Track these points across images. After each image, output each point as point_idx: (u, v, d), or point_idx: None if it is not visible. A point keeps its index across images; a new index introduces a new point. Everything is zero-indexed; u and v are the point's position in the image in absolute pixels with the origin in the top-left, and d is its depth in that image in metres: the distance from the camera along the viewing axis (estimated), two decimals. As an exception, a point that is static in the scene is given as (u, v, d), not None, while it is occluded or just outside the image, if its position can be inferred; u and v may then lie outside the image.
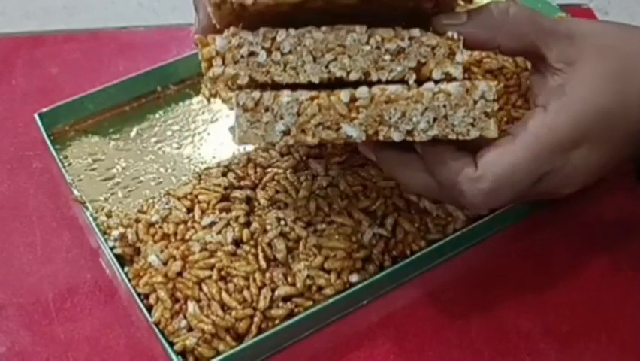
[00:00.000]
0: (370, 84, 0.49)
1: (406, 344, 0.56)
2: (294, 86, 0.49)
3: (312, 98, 0.48)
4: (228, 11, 0.49)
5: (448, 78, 0.50)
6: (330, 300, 0.55)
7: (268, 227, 0.59)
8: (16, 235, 0.63)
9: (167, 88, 0.73)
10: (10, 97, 0.75)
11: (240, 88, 0.50)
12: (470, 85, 0.49)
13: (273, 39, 0.48)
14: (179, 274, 0.56)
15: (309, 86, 0.49)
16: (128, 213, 0.62)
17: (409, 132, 0.49)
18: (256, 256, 0.57)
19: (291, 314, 0.55)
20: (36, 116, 0.68)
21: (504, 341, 0.56)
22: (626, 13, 0.93)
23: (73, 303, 0.58)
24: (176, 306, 0.55)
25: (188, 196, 0.62)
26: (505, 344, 0.56)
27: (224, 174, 0.63)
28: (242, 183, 0.62)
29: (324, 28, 0.49)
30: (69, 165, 0.67)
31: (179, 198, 0.61)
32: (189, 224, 0.60)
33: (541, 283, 0.59)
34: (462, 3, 0.75)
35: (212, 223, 0.59)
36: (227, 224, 0.59)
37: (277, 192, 0.62)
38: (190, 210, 0.61)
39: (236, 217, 0.60)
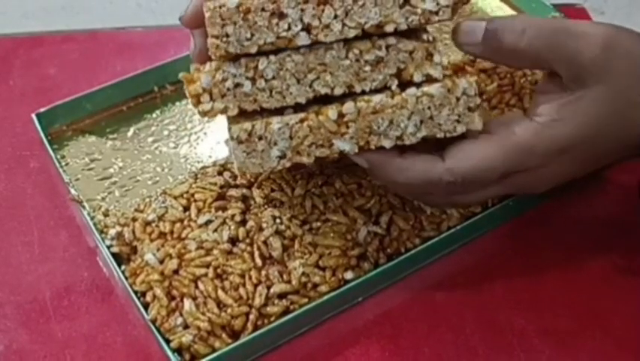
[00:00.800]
0: (355, 95, 0.51)
1: (401, 341, 0.56)
2: (282, 109, 0.51)
3: (302, 121, 0.50)
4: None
5: (429, 79, 0.51)
6: (326, 297, 0.56)
7: (264, 225, 0.59)
8: (14, 234, 0.63)
9: (164, 88, 0.74)
10: (7, 97, 0.75)
11: (234, 119, 0.52)
12: (451, 84, 0.51)
13: (256, 68, 0.50)
14: (176, 272, 0.57)
15: (298, 106, 0.51)
16: (124, 212, 0.62)
17: (399, 137, 0.51)
18: (252, 254, 0.58)
19: (286, 311, 0.55)
20: (34, 116, 0.69)
21: (498, 338, 0.56)
22: (622, 12, 0.94)
23: (71, 301, 0.59)
24: (173, 304, 0.55)
25: (185, 195, 0.62)
26: (499, 342, 0.56)
27: (220, 173, 0.64)
28: (238, 181, 0.63)
29: (302, 50, 0.50)
30: (66, 164, 0.68)
31: (175, 197, 0.62)
32: (185, 223, 0.60)
33: (536, 281, 0.59)
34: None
35: (209, 222, 0.60)
36: (224, 222, 0.60)
37: (273, 190, 0.62)
38: (186, 208, 0.61)
39: (232, 216, 0.60)
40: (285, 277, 0.57)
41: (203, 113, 0.51)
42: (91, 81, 0.73)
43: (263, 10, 0.49)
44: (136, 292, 0.57)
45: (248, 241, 0.59)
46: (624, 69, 0.51)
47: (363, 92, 0.51)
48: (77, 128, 0.71)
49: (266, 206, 0.61)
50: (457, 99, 0.51)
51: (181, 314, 0.54)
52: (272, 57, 0.50)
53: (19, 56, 0.80)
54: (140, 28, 0.84)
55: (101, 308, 0.58)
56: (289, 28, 0.50)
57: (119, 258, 0.59)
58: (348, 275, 0.57)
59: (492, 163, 0.51)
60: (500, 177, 0.52)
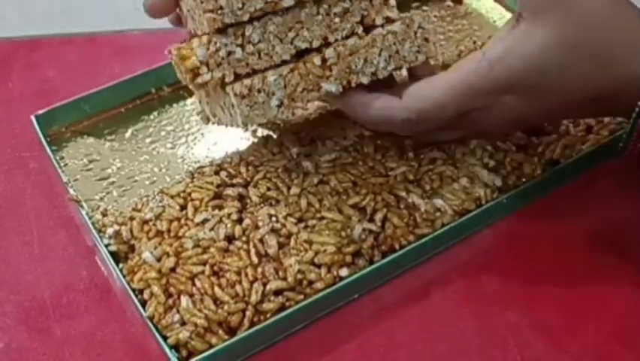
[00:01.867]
0: (329, 45, 0.58)
1: (395, 338, 0.56)
2: (269, 68, 0.57)
3: (292, 70, 0.57)
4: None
5: (389, 21, 0.59)
6: (321, 294, 0.56)
7: (260, 223, 0.60)
8: (14, 233, 0.64)
9: (162, 90, 0.75)
10: (7, 99, 0.76)
11: (224, 84, 0.56)
12: (409, 20, 0.59)
13: (243, 34, 0.56)
14: (173, 269, 0.57)
15: (284, 63, 0.57)
16: (122, 211, 0.63)
17: (374, 73, 0.59)
18: (248, 251, 0.58)
19: (282, 308, 0.56)
20: (33, 117, 0.69)
21: (492, 334, 0.56)
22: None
23: (70, 300, 0.59)
24: (170, 301, 0.56)
25: (182, 194, 0.63)
26: (493, 337, 0.56)
27: (216, 173, 0.64)
28: (234, 181, 0.63)
29: (280, 13, 0.56)
30: (65, 165, 0.68)
31: (172, 197, 0.62)
32: (182, 221, 0.61)
33: (529, 277, 0.60)
34: (451, 4, 0.76)
35: (205, 220, 0.60)
36: (220, 221, 0.60)
37: (269, 189, 0.63)
38: (183, 207, 0.62)
39: (229, 214, 0.61)
40: (280, 274, 0.57)
41: (203, 85, 0.57)
42: (89, 83, 0.73)
43: None
44: (134, 290, 0.57)
45: (244, 238, 0.59)
46: (587, 6, 0.52)
47: (336, 41, 0.58)
48: (76, 130, 0.72)
49: (262, 204, 0.61)
50: (415, 33, 0.59)
51: (178, 311, 0.55)
52: (255, 23, 0.56)
53: (18, 58, 0.81)
54: (137, 31, 0.85)
55: (100, 306, 0.59)
56: None
57: (117, 256, 0.60)
58: (344, 272, 0.58)
59: (443, 100, 0.55)
60: (456, 116, 0.56)
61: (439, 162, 0.64)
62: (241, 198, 0.62)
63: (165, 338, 0.54)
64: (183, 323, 0.55)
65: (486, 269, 0.60)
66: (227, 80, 0.56)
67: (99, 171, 0.68)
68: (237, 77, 0.56)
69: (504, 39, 0.54)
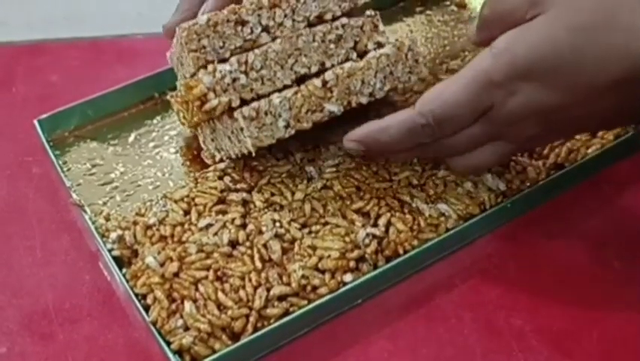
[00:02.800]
0: (327, 70, 0.61)
1: (399, 343, 0.56)
2: (272, 94, 0.60)
3: (296, 93, 0.60)
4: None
5: (380, 45, 0.64)
6: (325, 299, 0.56)
7: (264, 229, 0.60)
8: (17, 238, 0.64)
9: (165, 94, 0.74)
10: (10, 104, 0.76)
11: (230, 110, 0.60)
12: (399, 44, 0.62)
13: (246, 62, 0.60)
14: (176, 274, 0.57)
15: (285, 88, 0.61)
16: (126, 216, 0.63)
17: (371, 94, 0.62)
18: (252, 256, 0.58)
19: (286, 313, 0.56)
20: (36, 122, 0.69)
21: (496, 339, 0.56)
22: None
23: (72, 304, 0.59)
24: (173, 306, 0.56)
25: (185, 199, 0.62)
26: (497, 342, 0.56)
27: (220, 178, 0.64)
28: (238, 186, 0.63)
29: (279, 41, 0.61)
30: (68, 170, 0.68)
31: (176, 201, 0.62)
32: (186, 226, 0.60)
33: (533, 282, 0.59)
34: (455, 9, 0.76)
35: (209, 225, 0.60)
36: (224, 226, 0.60)
37: (273, 194, 0.62)
38: (187, 212, 0.62)
39: (233, 219, 0.60)
40: (284, 279, 0.57)
41: (212, 111, 0.60)
42: (92, 88, 0.73)
43: (228, 21, 0.61)
44: (137, 295, 0.57)
45: (248, 244, 0.59)
46: None
47: (332, 66, 0.62)
48: (79, 134, 0.72)
49: (266, 210, 0.61)
50: (406, 55, 0.63)
51: (181, 316, 0.55)
52: (256, 51, 0.60)
53: (21, 63, 0.81)
54: (140, 35, 0.85)
55: (103, 311, 0.59)
56: (252, 32, 0.62)
57: (120, 261, 0.60)
58: (347, 277, 0.57)
59: (454, 98, 0.54)
60: (475, 115, 0.55)
61: (442, 167, 0.64)
62: (245, 203, 0.62)
63: (168, 344, 0.54)
64: (186, 328, 0.54)
65: (490, 274, 0.60)
66: (233, 104, 0.60)
67: (102, 176, 0.68)
68: (243, 102, 0.60)
69: (508, 32, 0.53)
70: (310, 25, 0.63)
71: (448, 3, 0.84)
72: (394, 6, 0.85)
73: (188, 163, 0.69)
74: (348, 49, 0.63)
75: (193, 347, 0.53)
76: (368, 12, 0.63)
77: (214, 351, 0.53)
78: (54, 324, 0.58)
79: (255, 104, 0.59)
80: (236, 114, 0.59)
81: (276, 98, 0.59)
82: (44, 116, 0.70)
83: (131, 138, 0.71)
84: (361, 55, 0.63)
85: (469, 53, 0.77)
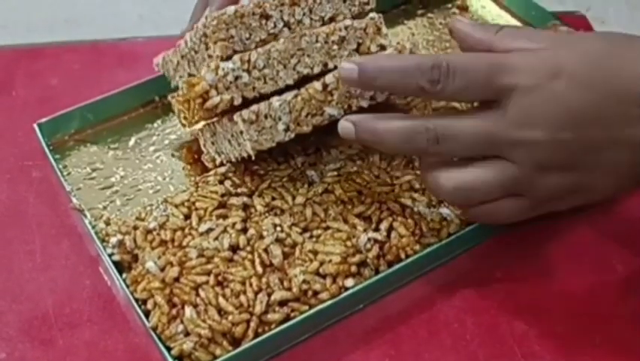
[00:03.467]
0: (330, 70, 0.61)
1: (401, 348, 0.56)
2: (274, 93, 0.61)
3: (296, 96, 0.60)
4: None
5: (383, 48, 0.64)
6: (326, 304, 0.56)
7: (264, 233, 0.59)
8: (16, 242, 0.64)
9: (166, 98, 0.74)
10: (10, 107, 0.76)
11: (233, 109, 0.60)
12: (401, 47, 0.63)
13: (249, 61, 0.60)
14: (177, 279, 0.57)
15: (287, 88, 0.61)
16: (126, 220, 0.62)
17: (372, 97, 0.62)
18: (252, 261, 0.58)
19: (287, 319, 0.55)
20: (35, 126, 0.69)
21: (499, 344, 0.56)
22: (624, 22, 0.94)
23: (73, 309, 0.59)
24: (174, 311, 0.55)
25: (186, 203, 0.62)
26: (500, 347, 0.56)
27: (221, 182, 0.64)
28: (239, 190, 0.63)
29: (282, 40, 0.61)
30: (68, 174, 0.68)
31: (176, 206, 0.62)
32: (186, 231, 0.60)
33: (536, 286, 0.59)
34: (457, 11, 0.76)
35: (209, 230, 0.60)
36: (224, 230, 0.60)
37: (274, 198, 0.62)
38: (187, 217, 0.61)
39: (233, 224, 0.60)
40: (285, 284, 0.57)
41: (213, 108, 0.60)
42: (92, 91, 0.73)
43: (253, 14, 0.61)
44: (137, 300, 0.57)
45: (248, 248, 0.59)
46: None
47: (335, 67, 0.61)
48: (79, 138, 0.71)
49: (266, 214, 0.61)
50: None
51: (182, 322, 0.55)
52: (260, 50, 0.60)
53: (21, 67, 0.81)
54: (141, 38, 0.84)
55: (103, 316, 0.59)
56: (275, 26, 0.63)
57: (120, 266, 0.60)
58: (349, 282, 0.57)
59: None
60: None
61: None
62: (246, 207, 0.62)
63: (169, 349, 0.54)
64: (187, 334, 0.54)
65: (492, 278, 0.60)
66: (235, 102, 0.60)
67: (102, 180, 0.67)
68: (245, 101, 0.60)
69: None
70: (324, 23, 0.65)
71: (449, 6, 0.84)
72: (396, 8, 0.84)
73: (188, 167, 0.69)
74: (351, 50, 0.63)
75: (194, 352, 0.53)
76: (372, 15, 0.64)
77: (215, 357, 0.53)
78: (54, 329, 0.58)
79: (254, 107, 0.59)
80: (235, 117, 0.59)
81: (275, 102, 0.59)
82: (44, 120, 0.70)
83: (132, 142, 0.71)
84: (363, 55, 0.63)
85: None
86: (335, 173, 0.64)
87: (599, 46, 0.54)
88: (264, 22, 0.62)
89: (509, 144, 0.52)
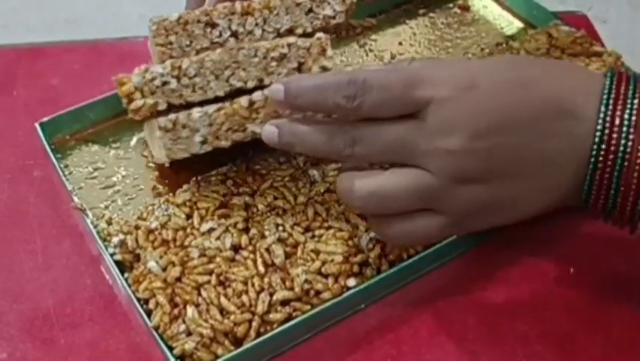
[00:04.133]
0: (264, 87, 0.59)
1: (403, 348, 0.56)
2: (204, 102, 0.60)
3: (219, 110, 0.58)
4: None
5: (325, 70, 0.62)
6: (328, 304, 0.56)
7: (266, 233, 0.59)
8: (17, 242, 0.64)
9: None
10: (11, 107, 0.76)
11: (159, 113, 0.59)
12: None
13: (179, 67, 0.59)
14: (179, 279, 0.57)
15: (218, 99, 0.60)
16: (127, 220, 0.62)
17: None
18: (254, 261, 0.58)
19: (289, 318, 0.55)
20: (37, 125, 0.69)
21: (501, 344, 0.56)
22: (625, 21, 0.94)
23: (74, 309, 0.59)
24: (175, 311, 0.55)
25: (187, 203, 0.62)
26: (501, 347, 0.56)
27: (222, 182, 0.64)
28: (240, 190, 0.63)
29: (218, 51, 0.59)
30: (70, 173, 0.68)
31: (178, 205, 0.62)
32: (188, 230, 0.60)
33: (537, 286, 0.59)
34: (458, 11, 0.76)
35: (211, 229, 0.60)
36: (226, 230, 0.60)
37: (275, 198, 0.62)
38: (189, 216, 0.61)
39: (235, 223, 0.60)
40: (287, 284, 0.57)
41: (135, 111, 0.59)
42: (93, 91, 0.73)
43: (198, 21, 0.61)
44: (139, 300, 0.57)
45: (250, 248, 0.59)
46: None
47: (271, 84, 0.58)
48: (80, 138, 0.71)
49: (268, 214, 0.61)
50: None
51: (184, 321, 0.55)
52: (193, 57, 0.59)
53: (22, 67, 0.81)
54: (141, 37, 0.84)
55: (104, 316, 0.58)
56: (220, 35, 0.62)
57: (122, 266, 0.60)
58: (351, 282, 0.57)
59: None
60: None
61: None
62: (247, 207, 0.62)
63: (171, 349, 0.54)
64: (189, 334, 0.54)
65: (494, 278, 0.60)
66: (159, 107, 0.59)
67: (104, 180, 0.67)
68: (170, 107, 0.59)
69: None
70: (279, 35, 0.64)
71: (451, 5, 0.84)
72: (397, 8, 0.84)
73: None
74: (291, 69, 0.61)
75: (195, 352, 0.53)
76: (318, 34, 0.62)
77: (217, 356, 0.53)
78: (55, 329, 0.58)
79: (172, 116, 0.58)
80: (154, 122, 0.59)
81: (195, 113, 0.58)
82: (45, 119, 0.70)
83: (133, 142, 0.71)
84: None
85: (472, 56, 0.77)
86: (337, 172, 0.64)
87: (513, 60, 0.56)
88: (208, 30, 0.62)
89: (424, 152, 0.52)
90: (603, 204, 0.52)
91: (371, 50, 0.79)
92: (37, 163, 0.69)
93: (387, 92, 0.52)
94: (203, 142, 0.59)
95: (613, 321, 0.57)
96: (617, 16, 0.97)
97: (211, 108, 0.58)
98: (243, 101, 0.58)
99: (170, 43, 0.61)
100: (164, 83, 0.59)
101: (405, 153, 0.52)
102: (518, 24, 0.82)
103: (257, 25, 0.63)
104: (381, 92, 0.52)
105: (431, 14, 0.84)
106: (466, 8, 0.84)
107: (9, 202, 0.67)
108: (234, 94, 0.60)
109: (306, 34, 0.64)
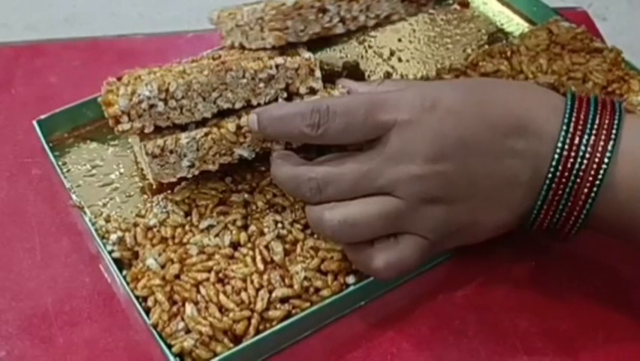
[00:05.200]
0: (252, 107, 0.60)
1: (403, 345, 0.56)
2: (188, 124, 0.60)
3: (206, 135, 0.58)
4: None
5: (312, 91, 0.62)
6: (328, 301, 0.56)
7: (265, 230, 0.59)
8: (16, 240, 0.63)
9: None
10: (9, 105, 0.75)
11: (146, 134, 0.59)
12: (327, 94, 0.61)
13: (167, 90, 0.58)
14: (177, 276, 0.57)
15: (204, 119, 0.60)
16: (126, 217, 0.62)
17: (287, 142, 0.60)
18: (254, 258, 0.57)
19: (288, 316, 0.55)
20: (35, 123, 0.69)
21: (501, 341, 0.56)
22: (624, 19, 0.93)
23: (72, 307, 0.59)
24: (174, 308, 0.55)
25: (186, 200, 0.62)
26: (502, 344, 0.56)
27: (221, 179, 0.63)
28: (239, 187, 0.63)
29: (205, 72, 0.59)
30: (68, 171, 0.67)
31: (176, 203, 0.62)
32: (187, 228, 0.60)
33: (539, 283, 0.59)
34: (458, 7, 0.75)
35: (210, 227, 0.60)
36: (225, 227, 0.60)
37: (274, 195, 0.62)
38: (188, 214, 0.61)
39: (234, 221, 0.60)
40: (287, 281, 0.56)
41: (122, 132, 0.59)
42: (92, 88, 0.72)
43: (312, 7, 0.61)
44: (137, 297, 0.57)
45: (249, 245, 0.59)
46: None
47: (259, 105, 0.60)
48: (79, 135, 0.71)
49: (267, 211, 0.61)
50: None
51: (182, 319, 0.54)
52: (180, 80, 0.58)
53: (20, 64, 0.80)
54: (140, 35, 0.84)
55: (103, 314, 0.58)
56: (330, 21, 0.63)
57: (120, 263, 0.59)
58: (350, 279, 0.57)
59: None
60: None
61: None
62: (246, 204, 0.62)
63: (169, 347, 0.53)
64: (188, 331, 0.54)
65: (495, 275, 0.60)
66: (146, 130, 0.58)
67: (102, 177, 0.67)
68: (157, 129, 0.59)
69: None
70: (378, 24, 0.66)
71: (450, 2, 0.84)
72: (397, 5, 0.84)
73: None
74: (278, 89, 0.61)
75: (194, 350, 0.53)
76: (306, 55, 0.62)
77: (216, 354, 0.53)
78: (54, 327, 0.58)
79: (160, 141, 0.58)
80: (141, 145, 0.58)
81: (184, 139, 0.58)
82: (44, 116, 0.69)
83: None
84: (290, 96, 0.62)
85: (472, 52, 0.77)
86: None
87: (474, 81, 0.56)
88: (320, 15, 0.62)
89: (389, 179, 0.52)
90: (549, 220, 0.53)
91: (370, 47, 0.78)
92: (35, 161, 0.69)
93: (350, 118, 0.53)
94: (191, 166, 0.59)
95: (614, 318, 0.57)
96: (616, 14, 0.97)
97: (198, 133, 0.58)
98: (231, 126, 0.59)
99: (287, 27, 0.61)
100: (152, 106, 0.58)
101: (371, 183, 0.53)
102: (518, 20, 0.82)
103: (361, 11, 0.64)
104: (344, 118, 0.53)
105: (431, 11, 0.83)
106: (465, 5, 0.83)
107: (7, 200, 0.66)
108: (221, 113, 0.60)
109: (401, 19, 0.67)
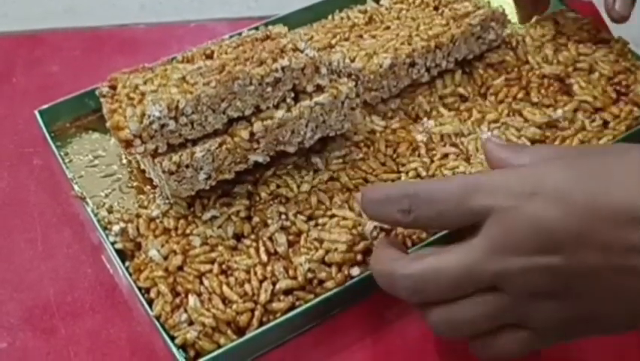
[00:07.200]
0: (261, 112, 0.59)
1: (407, 336, 0.56)
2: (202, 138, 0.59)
3: (221, 145, 0.58)
4: None
5: (319, 88, 0.61)
6: (331, 293, 0.55)
7: (269, 221, 0.59)
8: (17, 231, 0.63)
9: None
10: (10, 95, 0.75)
11: (159, 153, 0.58)
12: (336, 91, 0.61)
13: (177, 108, 0.56)
14: (180, 268, 0.56)
15: (215, 131, 0.59)
16: (128, 208, 0.62)
17: (300, 143, 0.62)
18: (257, 249, 0.57)
19: (292, 308, 0.55)
20: (36, 112, 0.68)
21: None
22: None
23: (74, 298, 0.58)
24: (177, 300, 0.55)
25: (190, 191, 0.62)
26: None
27: (225, 170, 0.63)
28: (243, 178, 0.62)
29: (213, 84, 0.57)
30: (70, 161, 0.67)
31: (180, 193, 0.61)
32: (190, 219, 0.60)
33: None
34: (467, 4, 0.75)
35: (213, 218, 0.59)
36: (228, 218, 0.59)
37: (278, 186, 0.62)
38: (191, 205, 0.61)
39: (237, 212, 0.60)
40: (290, 273, 0.56)
41: (137, 155, 0.60)
42: (93, 78, 0.72)
43: (404, 63, 0.67)
44: (140, 289, 0.56)
45: (253, 236, 0.58)
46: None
47: (268, 109, 0.60)
48: (80, 125, 0.70)
49: (271, 202, 0.61)
50: (342, 103, 0.62)
51: (185, 310, 0.54)
52: (188, 95, 0.56)
53: (21, 54, 0.80)
54: (142, 25, 0.84)
55: (105, 305, 0.58)
56: (418, 72, 0.69)
57: (123, 254, 0.59)
58: (355, 271, 0.57)
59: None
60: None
61: (451, 157, 0.63)
62: (250, 195, 0.61)
63: (172, 338, 0.53)
64: (191, 323, 0.54)
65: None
66: (159, 150, 0.57)
67: (104, 168, 0.67)
68: (170, 147, 0.58)
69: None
70: (457, 63, 0.71)
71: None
72: None
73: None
74: (286, 91, 0.60)
75: (197, 341, 0.53)
76: (312, 53, 0.61)
77: (219, 346, 0.53)
78: (56, 318, 0.57)
79: (175, 158, 0.57)
80: (156, 162, 0.57)
81: (199, 152, 0.57)
82: (45, 106, 0.69)
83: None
84: (298, 95, 0.61)
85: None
86: (340, 160, 0.63)
87: (581, 154, 0.49)
88: (410, 70, 0.69)
89: (494, 274, 0.47)
90: None
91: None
92: (36, 151, 0.69)
93: (442, 205, 0.48)
94: (208, 178, 0.59)
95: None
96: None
97: (213, 145, 0.58)
98: (244, 133, 0.58)
99: (382, 87, 0.68)
100: (163, 126, 0.56)
101: (474, 279, 0.47)
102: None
103: (443, 57, 0.70)
104: (435, 205, 0.49)
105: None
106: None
107: (8, 190, 0.66)
108: (230, 123, 0.59)
109: (475, 58, 0.73)
